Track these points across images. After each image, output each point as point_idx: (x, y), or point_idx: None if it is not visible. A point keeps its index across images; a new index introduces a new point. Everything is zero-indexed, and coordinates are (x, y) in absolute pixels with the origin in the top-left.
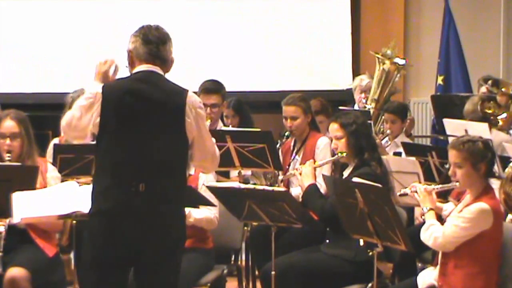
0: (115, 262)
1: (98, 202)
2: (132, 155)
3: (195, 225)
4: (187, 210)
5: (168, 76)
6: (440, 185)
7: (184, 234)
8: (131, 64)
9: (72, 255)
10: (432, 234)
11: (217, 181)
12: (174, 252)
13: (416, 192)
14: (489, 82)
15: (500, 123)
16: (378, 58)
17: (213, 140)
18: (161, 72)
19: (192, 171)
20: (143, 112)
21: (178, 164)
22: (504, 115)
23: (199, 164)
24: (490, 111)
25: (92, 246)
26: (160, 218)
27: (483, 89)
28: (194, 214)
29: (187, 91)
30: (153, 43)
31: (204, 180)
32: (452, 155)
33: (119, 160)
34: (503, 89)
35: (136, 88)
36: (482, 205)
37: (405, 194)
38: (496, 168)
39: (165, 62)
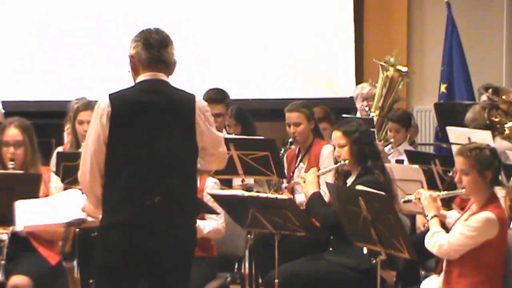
0: (129, 273)
1: (112, 215)
2: (146, 167)
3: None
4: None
5: (172, 83)
6: (446, 192)
7: (196, 243)
8: (135, 70)
9: (75, 263)
10: (437, 242)
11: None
12: (187, 262)
13: (420, 199)
14: (490, 90)
15: (507, 131)
16: (382, 65)
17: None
18: (166, 79)
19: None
20: (153, 123)
21: (191, 173)
22: (511, 123)
23: (209, 166)
24: (497, 119)
25: (105, 257)
26: (174, 230)
27: (484, 97)
28: (202, 227)
29: (195, 96)
30: (155, 47)
31: (208, 188)
32: (459, 161)
33: (133, 173)
34: (503, 97)
35: (144, 99)
36: (488, 214)
37: (409, 201)
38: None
39: (169, 66)
